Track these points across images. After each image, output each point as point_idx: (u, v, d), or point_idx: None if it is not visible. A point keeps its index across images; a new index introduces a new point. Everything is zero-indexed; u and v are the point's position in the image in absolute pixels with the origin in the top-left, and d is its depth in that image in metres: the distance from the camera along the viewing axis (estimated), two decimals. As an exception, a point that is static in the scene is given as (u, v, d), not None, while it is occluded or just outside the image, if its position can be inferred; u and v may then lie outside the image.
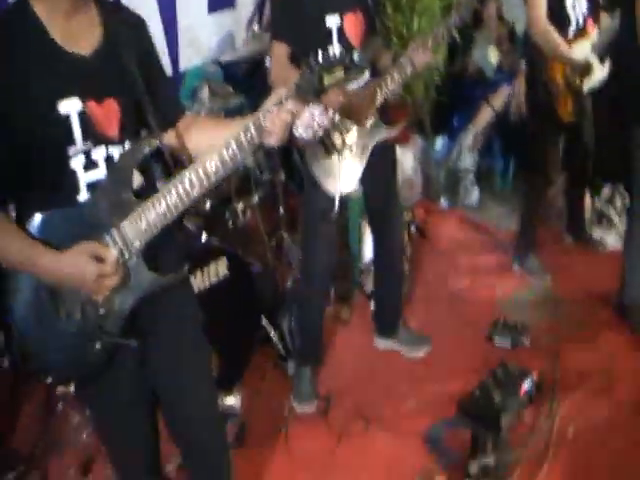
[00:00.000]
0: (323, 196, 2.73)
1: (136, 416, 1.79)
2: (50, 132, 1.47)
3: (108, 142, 1.57)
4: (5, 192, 1.53)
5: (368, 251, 3.73)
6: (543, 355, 3.24)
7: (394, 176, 3.07)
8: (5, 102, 1.42)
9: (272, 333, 3.28)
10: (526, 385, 2.95)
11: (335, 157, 2.71)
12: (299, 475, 2.74)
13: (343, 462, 2.78)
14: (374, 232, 3.22)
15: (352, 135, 2.72)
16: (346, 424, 2.97)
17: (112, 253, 1.53)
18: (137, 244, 1.56)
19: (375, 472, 2.71)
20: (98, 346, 1.59)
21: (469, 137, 4.55)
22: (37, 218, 1.53)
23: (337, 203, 2.66)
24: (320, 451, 2.84)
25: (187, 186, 1.55)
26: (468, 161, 4.58)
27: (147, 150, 1.56)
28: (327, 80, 1.54)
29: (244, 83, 3.79)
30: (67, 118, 1.48)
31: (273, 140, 1.59)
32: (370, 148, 2.79)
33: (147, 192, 1.62)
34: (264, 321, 3.24)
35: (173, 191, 1.55)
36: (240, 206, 3.33)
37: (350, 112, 2.61)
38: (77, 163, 1.54)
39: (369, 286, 3.73)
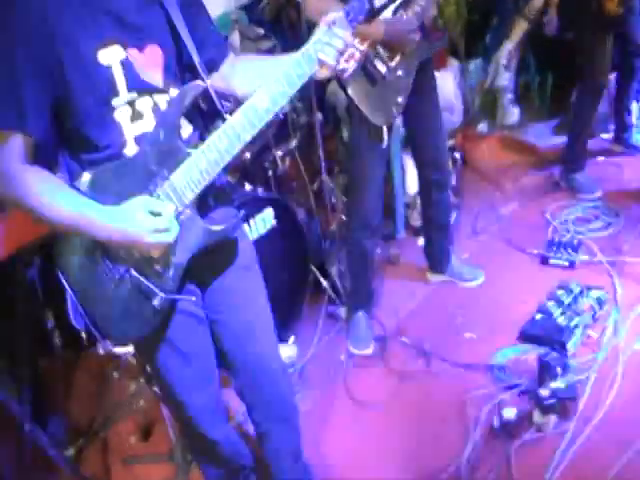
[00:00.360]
0: (370, 129, 2.68)
1: (200, 364, 1.77)
2: (92, 83, 1.43)
3: (153, 91, 1.52)
4: (51, 152, 1.51)
5: (412, 184, 3.69)
6: (603, 270, 3.17)
7: (436, 99, 2.98)
8: (48, 52, 1.38)
9: (322, 280, 3.25)
10: (588, 303, 2.86)
11: (380, 86, 2.64)
12: (363, 416, 2.73)
13: (407, 400, 2.76)
14: (418, 161, 3.15)
15: (395, 61, 2.65)
16: (406, 362, 2.95)
17: (168, 207, 1.49)
18: (190, 195, 1.52)
19: (441, 408, 2.68)
20: (156, 303, 1.57)
21: (504, 54, 4.39)
22: (85, 177, 1.50)
23: (386, 134, 2.64)
24: (382, 392, 2.81)
25: (238, 129, 1.49)
26: (505, 79, 4.45)
27: (194, 95, 1.50)
28: (378, 2, 1.50)
29: (271, 26, 3.75)
30: (109, 68, 1.44)
31: (324, 72, 1.53)
32: (414, 72, 2.71)
33: (196, 140, 1.58)
34: (313, 268, 3.20)
35: (224, 136, 1.50)
36: (279, 153, 3.23)
37: (392, 40, 2.57)
38: (122, 115, 1.50)
39: (415, 221, 3.72)
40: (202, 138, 1.60)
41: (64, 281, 1.57)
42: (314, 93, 3.19)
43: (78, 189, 1.50)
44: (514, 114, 4.51)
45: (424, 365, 2.93)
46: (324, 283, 3.28)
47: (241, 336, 1.79)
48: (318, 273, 3.25)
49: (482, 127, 4.58)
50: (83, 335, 2.76)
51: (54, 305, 2.93)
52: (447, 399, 2.71)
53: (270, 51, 3.38)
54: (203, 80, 1.53)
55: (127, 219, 1.46)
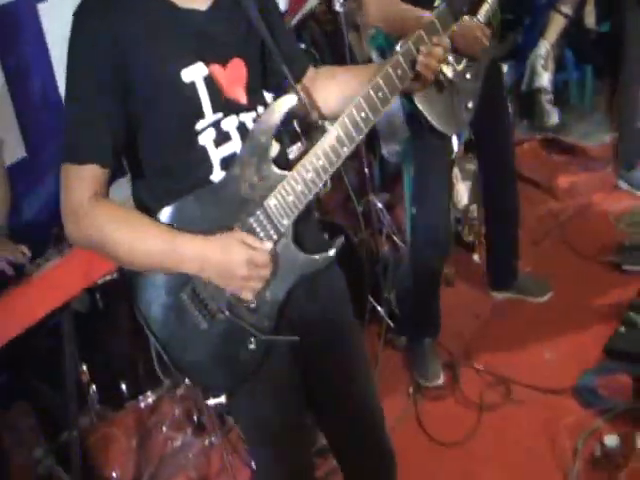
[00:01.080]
0: (436, 139, 2.60)
1: (294, 411, 1.69)
2: (175, 105, 1.37)
3: (238, 109, 1.46)
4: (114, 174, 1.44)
5: (462, 197, 3.57)
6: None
7: (505, 99, 2.91)
8: (125, 71, 1.33)
9: (378, 307, 3.13)
10: (678, 309, 2.66)
11: (447, 92, 2.53)
12: (442, 455, 2.57)
13: (490, 435, 2.60)
14: (484, 168, 3.04)
15: (463, 64, 2.55)
16: (483, 391, 2.79)
17: (265, 243, 1.44)
18: (285, 222, 1.45)
19: (530, 440, 2.51)
20: (252, 346, 1.50)
21: (542, 52, 4.21)
22: (166, 212, 1.43)
23: (456, 143, 2.56)
24: (460, 426, 2.65)
25: (336, 144, 1.42)
26: (543, 80, 4.27)
27: (287, 111, 1.43)
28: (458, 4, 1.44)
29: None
30: (192, 87, 1.37)
31: (419, 84, 1.47)
32: (483, 74, 2.61)
33: (284, 161, 1.51)
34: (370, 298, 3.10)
35: (321, 153, 1.42)
36: None
37: (460, 42, 2.47)
38: (207, 138, 1.43)
39: (468, 236, 3.62)
40: (288, 157, 1.56)
41: (145, 328, 1.49)
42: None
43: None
44: (554, 115, 4.34)
45: (504, 393, 2.76)
46: (380, 311, 3.14)
47: (339, 374, 1.71)
48: (373, 300, 3.14)
49: (522, 129, 4.44)
50: (123, 387, 2.75)
51: (87, 356, 2.78)
52: (535, 430, 2.54)
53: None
54: (296, 92, 1.46)
55: (222, 249, 1.39)
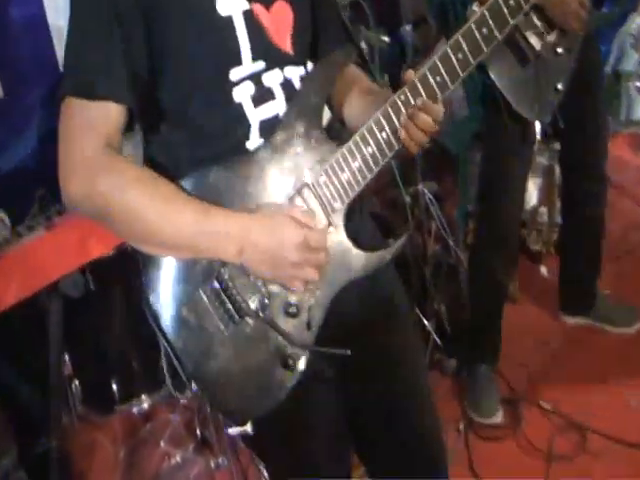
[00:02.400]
0: (514, 123, 2.37)
1: (335, 443, 1.57)
2: (207, 43, 1.28)
3: (284, 61, 1.36)
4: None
5: (532, 195, 3.40)
6: None
7: (601, 85, 2.69)
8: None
9: (425, 321, 2.91)
10: None
11: (532, 68, 2.29)
12: None
13: None
14: (566, 165, 2.85)
15: (554, 35, 2.30)
16: (551, 437, 2.51)
17: (319, 219, 1.34)
18: (337, 206, 1.35)
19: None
20: (287, 362, 1.37)
21: (632, 29, 3.90)
22: (189, 180, 1.31)
23: (539, 131, 2.37)
24: (521, 475, 2.38)
25: (402, 108, 1.30)
26: (632, 63, 3.95)
27: (346, 66, 1.39)
28: None
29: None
30: (229, 21, 1.28)
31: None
32: (577, 49, 2.37)
33: (338, 129, 1.45)
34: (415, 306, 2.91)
35: (384, 121, 1.30)
36: None
37: (551, 7, 2.23)
38: (244, 93, 1.32)
39: (535, 244, 3.41)
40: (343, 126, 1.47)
41: (156, 328, 1.38)
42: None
43: None
44: (643, 105, 4.02)
45: (578, 442, 2.48)
46: (427, 325, 2.90)
47: (394, 402, 1.59)
48: (419, 311, 2.93)
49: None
50: (114, 387, 2.58)
51: (71, 345, 2.63)
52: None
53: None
54: (353, 44, 1.42)
55: (270, 228, 1.28)
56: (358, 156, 1.33)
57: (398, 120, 1.30)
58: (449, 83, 1.28)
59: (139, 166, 1.29)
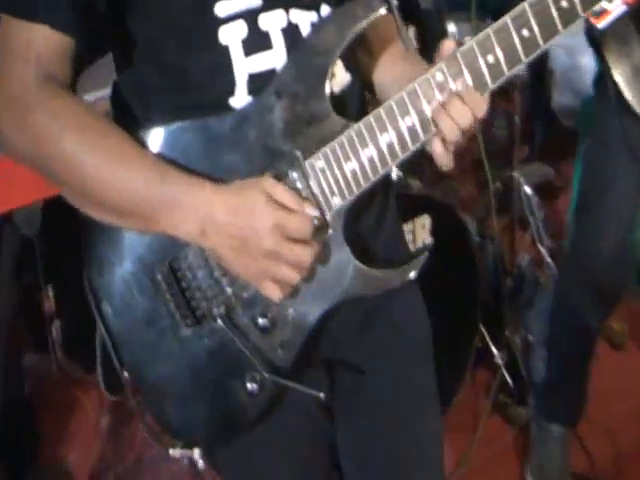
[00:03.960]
0: (633, 122, 2.12)
1: None
2: None
3: (290, 0, 1.28)
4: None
5: None
6: None
7: None
8: None
9: (494, 349, 2.67)
10: None
11: None
12: None
13: None
14: None
15: None
16: None
17: (308, 203, 1.24)
18: (336, 202, 1.24)
19: None
20: (251, 385, 1.31)
21: None
22: (156, 133, 1.27)
23: None
24: None
25: (436, 90, 1.18)
26: None
27: (370, 22, 1.24)
28: None
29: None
30: None
31: None
32: None
33: (355, 103, 1.37)
34: (481, 327, 2.65)
35: (409, 104, 1.19)
36: None
37: None
38: (233, 35, 1.24)
39: None
40: (363, 104, 1.41)
41: (95, 310, 1.33)
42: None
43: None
44: None
45: None
46: (497, 356, 2.65)
47: (392, 468, 1.54)
48: (488, 336, 2.66)
49: None
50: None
51: (58, 284, 2.64)
52: None
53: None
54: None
55: (239, 204, 1.20)
56: (370, 143, 1.24)
57: (429, 104, 1.22)
58: (504, 67, 1.14)
59: (83, 106, 1.24)
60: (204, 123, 1.26)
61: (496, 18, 1.18)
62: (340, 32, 1.25)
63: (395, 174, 2.45)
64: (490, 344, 2.66)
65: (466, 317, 2.59)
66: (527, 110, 3.30)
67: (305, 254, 1.21)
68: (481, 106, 1.17)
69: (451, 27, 2.49)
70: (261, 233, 1.18)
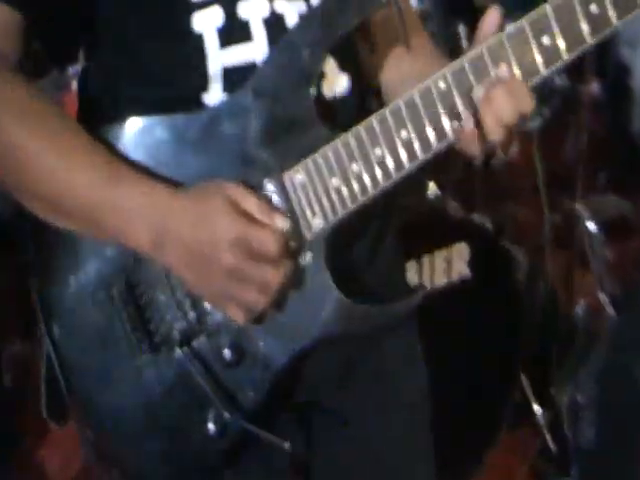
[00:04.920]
0: None
1: None
2: None
3: None
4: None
5: None
6: None
7: None
8: None
9: (536, 408, 2.54)
10: None
11: None
12: None
13: None
14: None
15: None
16: None
17: (279, 217, 1.17)
18: (317, 223, 1.18)
19: None
20: (211, 428, 1.24)
21: None
22: (121, 128, 1.22)
23: None
24: None
25: (472, 77, 1.09)
26: None
27: (368, 14, 1.23)
28: None
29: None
30: None
31: None
32: None
33: (349, 114, 1.26)
34: (524, 381, 2.51)
35: (404, 110, 1.13)
36: None
37: None
38: (207, 22, 1.19)
39: None
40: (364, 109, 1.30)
41: (42, 322, 1.29)
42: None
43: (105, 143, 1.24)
44: None
45: None
46: (539, 416, 2.52)
47: None
48: (531, 393, 2.51)
49: None
50: None
51: None
52: None
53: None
54: None
55: (198, 213, 1.14)
56: (359, 158, 1.17)
57: (433, 116, 1.14)
58: (563, 52, 1.02)
59: (34, 95, 1.21)
60: (172, 121, 1.22)
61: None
62: (329, 26, 1.19)
63: (432, 192, 2.37)
64: (532, 400, 2.53)
65: (505, 366, 2.47)
66: (606, 133, 3.27)
67: (271, 275, 1.14)
68: (528, 102, 1.07)
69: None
70: (221, 247, 1.13)
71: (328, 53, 1.21)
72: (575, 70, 2.75)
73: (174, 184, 1.19)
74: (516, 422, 2.51)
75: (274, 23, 1.22)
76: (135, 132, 1.23)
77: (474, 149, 1.14)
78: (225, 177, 1.20)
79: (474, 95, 1.08)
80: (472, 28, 2.55)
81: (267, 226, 1.15)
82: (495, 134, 1.08)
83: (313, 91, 1.21)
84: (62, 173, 1.16)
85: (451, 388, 2.30)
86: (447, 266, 2.31)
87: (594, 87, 2.87)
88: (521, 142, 2.73)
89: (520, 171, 2.88)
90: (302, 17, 1.23)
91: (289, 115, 1.21)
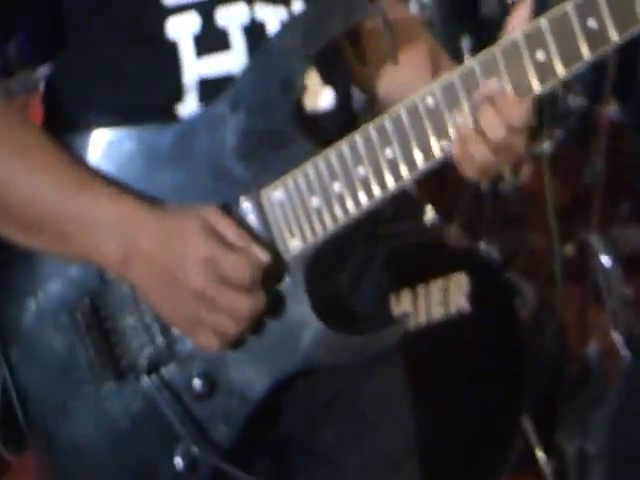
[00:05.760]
0: None
1: None
2: None
3: None
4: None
5: None
6: None
7: None
8: None
9: (539, 454, 2.41)
10: None
11: None
12: None
13: None
14: None
15: None
16: None
17: (255, 247, 1.13)
18: (295, 245, 1.15)
19: None
20: (179, 463, 1.19)
21: None
22: (89, 138, 1.18)
23: None
24: None
25: (461, 93, 1.08)
26: None
27: (356, 22, 1.21)
28: None
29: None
30: None
31: None
32: None
33: (333, 129, 1.22)
34: (527, 425, 2.38)
35: (389, 127, 1.10)
36: None
37: None
38: (183, 29, 1.15)
39: None
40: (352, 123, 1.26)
41: (1, 357, 1.25)
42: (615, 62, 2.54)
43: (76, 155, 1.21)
44: None
45: None
46: (543, 464, 2.39)
47: None
48: (536, 439, 2.38)
49: None
50: None
51: None
52: None
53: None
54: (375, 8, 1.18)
55: (169, 230, 1.12)
56: (341, 177, 1.12)
57: (419, 134, 1.10)
58: (560, 70, 0.98)
59: (5, 108, 1.26)
60: (143, 133, 1.19)
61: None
62: (311, 35, 1.17)
63: (429, 218, 2.28)
64: (536, 447, 2.42)
65: (506, 409, 2.36)
66: (629, 159, 3.18)
67: (243, 303, 1.10)
68: (519, 116, 1.04)
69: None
70: (189, 267, 1.09)
71: (311, 65, 1.19)
72: (593, 90, 2.73)
73: (145, 199, 1.16)
74: (518, 470, 2.41)
75: (254, 31, 1.19)
76: (103, 144, 1.20)
77: (472, 171, 1.09)
78: (199, 192, 1.18)
79: (464, 110, 1.06)
80: (477, 40, 2.46)
81: (242, 251, 1.12)
82: (486, 153, 1.05)
83: (293, 104, 1.18)
84: (31, 190, 1.13)
85: (447, 433, 2.26)
86: (444, 297, 2.23)
87: (613, 109, 2.77)
88: (534, 166, 2.66)
89: (533, 198, 2.78)
90: (283, 25, 1.20)
91: (268, 129, 1.19)
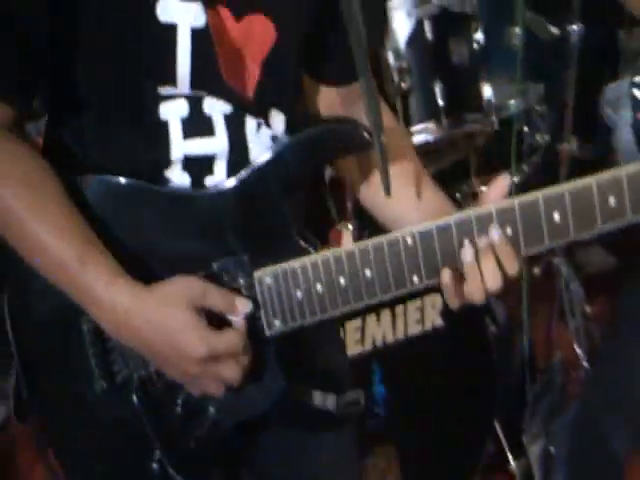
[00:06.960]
0: None
1: None
2: (135, 52, 1.21)
3: (237, 101, 1.27)
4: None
5: None
6: None
7: None
8: None
9: (511, 459, 2.57)
10: None
11: None
12: None
13: None
14: None
15: None
16: None
17: (238, 318, 1.22)
18: (278, 324, 1.25)
19: None
20: (156, 467, 1.32)
21: None
22: (91, 183, 1.25)
23: None
24: None
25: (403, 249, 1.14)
26: None
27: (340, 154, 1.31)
28: None
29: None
30: (170, 30, 1.20)
31: None
32: None
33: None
34: (498, 431, 2.53)
35: (371, 252, 1.17)
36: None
37: None
38: (173, 111, 1.25)
39: None
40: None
41: (12, 340, 1.32)
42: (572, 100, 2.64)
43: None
44: None
45: None
46: (512, 464, 2.55)
47: None
48: (505, 442, 2.54)
49: None
50: None
51: None
52: None
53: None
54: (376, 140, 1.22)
55: (162, 324, 1.18)
56: (324, 280, 1.21)
57: (395, 265, 1.17)
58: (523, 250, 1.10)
59: (27, 155, 1.22)
60: (138, 186, 1.23)
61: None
62: (305, 161, 1.25)
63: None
64: (506, 450, 2.56)
65: (479, 413, 2.47)
66: None
67: (233, 374, 1.21)
68: (513, 265, 1.09)
69: (487, 90, 2.39)
70: (186, 361, 1.18)
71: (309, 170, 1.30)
72: (555, 125, 2.81)
73: (146, 253, 1.24)
74: (492, 469, 2.53)
75: (235, 121, 1.28)
76: (102, 192, 1.26)
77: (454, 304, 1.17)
78: (197, 255, 1.25)
79: (461, 258, 1.10)
80: (448, 85, 2.54)
81: (230, 329, 1.21)
82: (478, 295, 1.11)
83: (284, 227, 1.27)
84: (39, 238, 1.19)
85: (422, 437, 2.38)
86: (420, 316, 2.35)
87: (573, 146, 2.83)
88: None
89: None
90: (278, 146, 1.28)
91: (269, 225, 1.27)
